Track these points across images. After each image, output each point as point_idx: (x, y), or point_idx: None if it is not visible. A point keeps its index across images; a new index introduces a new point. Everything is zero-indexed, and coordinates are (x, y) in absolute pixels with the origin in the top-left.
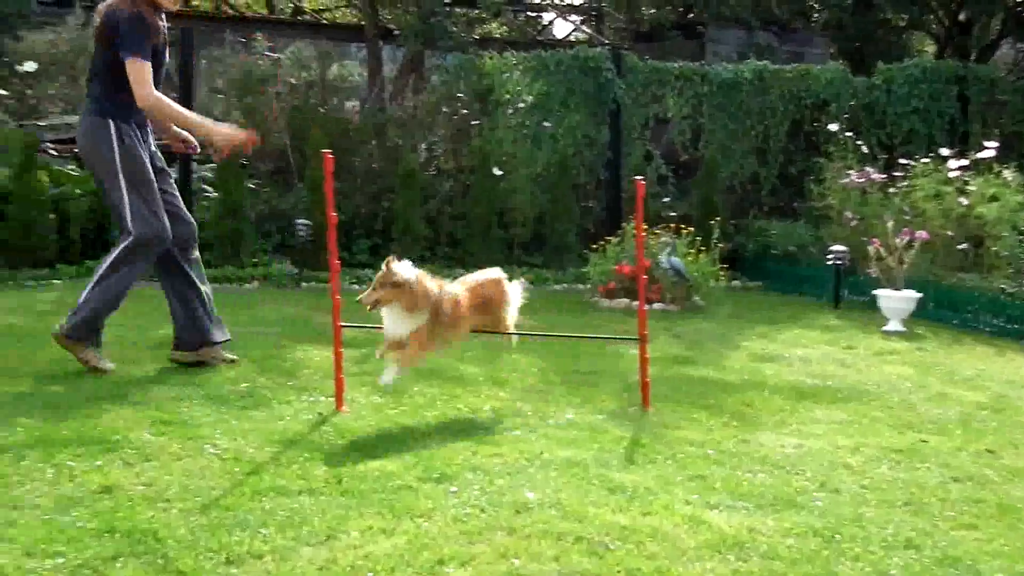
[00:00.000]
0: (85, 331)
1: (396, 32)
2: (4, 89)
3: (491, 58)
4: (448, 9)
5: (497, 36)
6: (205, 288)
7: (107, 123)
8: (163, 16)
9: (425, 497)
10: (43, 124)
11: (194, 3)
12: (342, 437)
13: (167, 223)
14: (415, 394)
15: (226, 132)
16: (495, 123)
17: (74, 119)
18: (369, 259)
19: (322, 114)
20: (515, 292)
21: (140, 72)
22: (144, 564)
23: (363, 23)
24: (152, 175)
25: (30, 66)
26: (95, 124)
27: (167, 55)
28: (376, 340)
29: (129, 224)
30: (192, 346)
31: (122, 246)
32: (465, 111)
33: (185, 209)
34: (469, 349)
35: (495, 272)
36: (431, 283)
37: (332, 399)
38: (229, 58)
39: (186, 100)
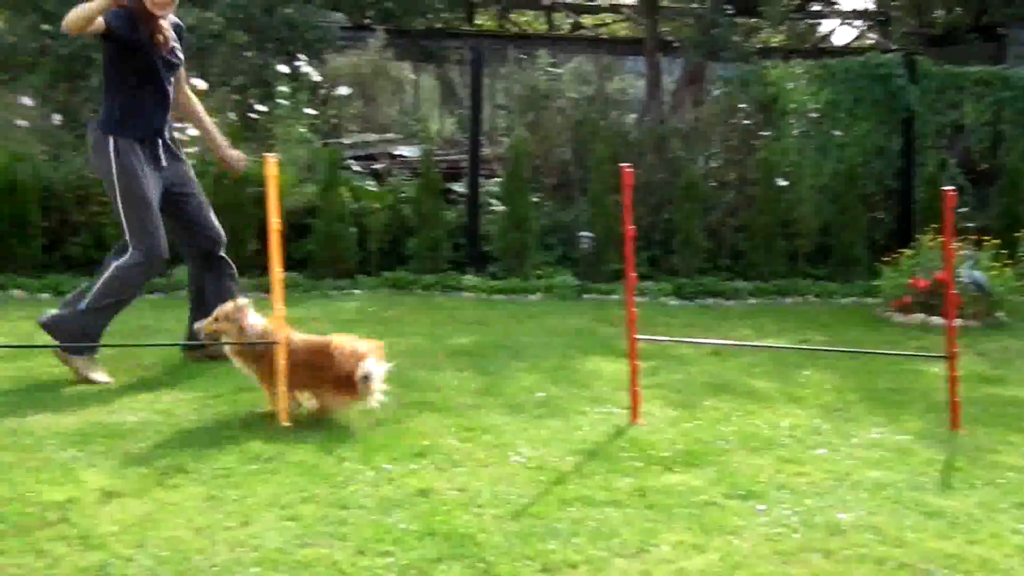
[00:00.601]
0: (78, 340)
1: (675, 44)
2: (313, 109)
3: (775, 67)
4: (730, 20)
5: (774, 45)
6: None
7: (107, 139)
8: (166, 29)
9: (733, 514)
10: (346, 142)
11: (477, 22)
12: (641, 450)
13: (161, 241)
14: (708, 409)
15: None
16: (780, 133)
17: (371, 137)
18: (649, 271)
19: (603, 128)
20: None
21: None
22: (465, 568)
23: (642, 37)
24: (149, 193)
25: (344, 90)
26: (96, 139)
27: (160, 60)
28: (667, 353)
29: (129, 239)
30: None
31: (122, 259)
32: (747, 121)
33: (212, 221)
34: (757, 364)
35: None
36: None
37: (627, 411)
38: (514, 75)
39: (475, 116)
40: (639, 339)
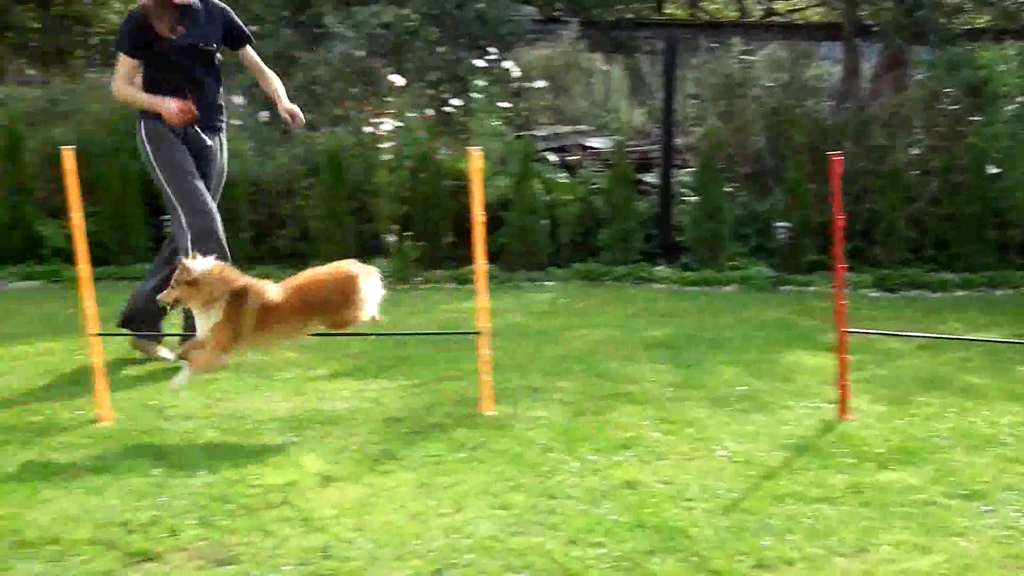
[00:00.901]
0: (140, 323)
1: (874, 28)
2: (506, 102)
3: (986, 49)
4: (933, 0)
5: (980, 26)
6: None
7: (140, 123)
8: (180, 11)
9: (957, 515)
10: (538, 135)
11: (667, 11)
12: (852, 445)
13: (212, 210)
14: (921, 404)
15: (171, 107)
16: (991, 118)
17: (564, 129)
18: (849, 262)
19: (798, 115)
20: (370, 289)
21: (116, 67)
22: (679, 561)
23: (838, 21)
24: (189, 164)
25: (541, 83)
26: (137, 126)
27: (174, 48)
28: (872, 347)
29: (183, 219)
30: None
31: (179, 242)
32: (954, 106)
33: None
34: (970, 359)
35: (344, 265)
36: (233, 277)
37: (834, 405)
38: (707, 63)
39: (667, 106)
40: (848, 332)
